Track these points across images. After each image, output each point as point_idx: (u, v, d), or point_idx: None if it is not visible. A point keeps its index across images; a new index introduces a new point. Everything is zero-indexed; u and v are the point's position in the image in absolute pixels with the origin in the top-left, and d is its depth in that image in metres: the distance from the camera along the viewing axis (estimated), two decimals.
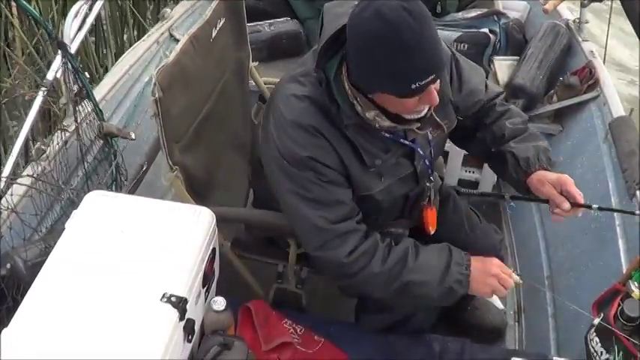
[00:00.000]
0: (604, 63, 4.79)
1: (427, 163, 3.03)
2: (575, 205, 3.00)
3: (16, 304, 2.59)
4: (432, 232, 3.18)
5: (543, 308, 4.18)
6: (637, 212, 3.32)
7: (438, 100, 2.69)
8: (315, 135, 2.74)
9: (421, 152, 2.97)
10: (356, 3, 2.58)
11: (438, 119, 2.93)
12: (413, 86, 2.56)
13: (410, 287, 2.88)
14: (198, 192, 3.28)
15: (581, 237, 4.19)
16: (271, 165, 2.87)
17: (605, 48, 5.12)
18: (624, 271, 3.43)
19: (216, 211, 2.93)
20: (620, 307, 3.13)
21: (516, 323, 4.36)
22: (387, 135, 2.84)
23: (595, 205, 3.10)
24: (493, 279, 2.93)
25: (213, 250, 2.91)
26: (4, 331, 2.45)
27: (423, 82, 2.56)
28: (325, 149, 2.76)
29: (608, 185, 4.13)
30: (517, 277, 3.01)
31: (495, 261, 2.98)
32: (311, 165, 2.75)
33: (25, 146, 3.41)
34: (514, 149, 3.05)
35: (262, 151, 2.97)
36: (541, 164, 3.02)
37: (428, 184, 3.12)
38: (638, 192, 3.78)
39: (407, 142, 2.89)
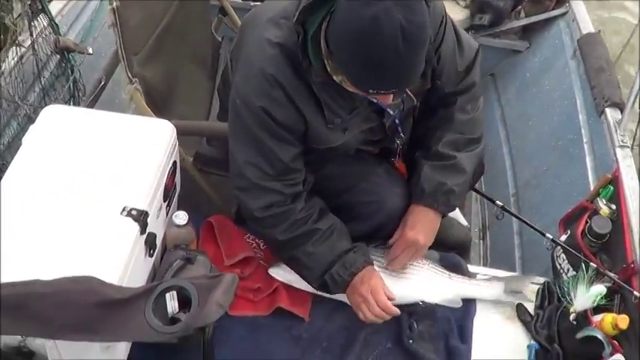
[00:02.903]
0: None
1: (396, 122, 2.99)
2: None
3: None
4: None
5: (508, 226, 4.19)
6: (548, 235, 3.30)
7: (390, 102, 2.65)
8: (275, 87, 2.66)
9: (391, 112, 2.91)
10: None
11: (409, 92, 2.87)
12: (371, 90, 2.52)
13: (296, 263, 2.93)
14: (158, 105, 3.23)
15: (547, 154, 4.20)
16: (231, 95, 2.81)
17: None
18: (592, 189, 3.43)
19: (177, 124, 2.88)
20: (587, 225, 3.14)
21: (481, 241, 4.37)
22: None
23: None
24: (358, 298, 2.89)
25: (174, 163, 2.86)
26: None
27: (382, 92, 2.53)
28: (281, 104, 2.68)
29: (576, 102, 4.13)
30: (387, 311, 2.89)
31: (374, 281, 2.89)
32: (261, 116, 2.68)
33: None
34: (422, 172, 2.97)
35: (233, 75, 2.90)
36: (430, 203, 2.96)
37: (397, 142, 3.08)
38: (606, 109, 3.76)
39: (375, 100, 2.78)
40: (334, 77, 2.61)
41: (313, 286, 2.96)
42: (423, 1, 2.40)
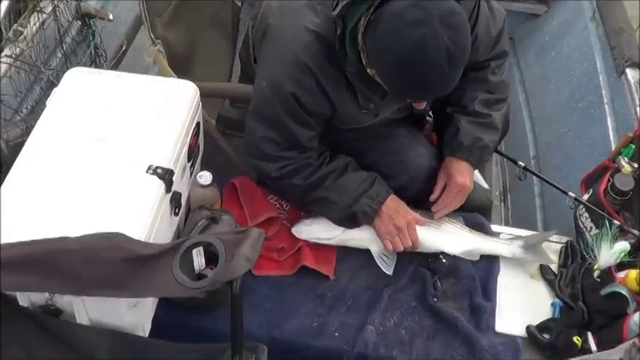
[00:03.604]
0: None
1: (427, 107, 3.05)
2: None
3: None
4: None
5: (529, 188, 4.18)
6: (571, 194, 3.30)
7: (424, 106, 2.81)
8: (308, 75, 2.68)
9: None
10: None
11: None
12: (406, 99, 2.66)
13: (320, 202, 2.98)
14: (179, 68, 3.22)
15: (568, 116, 4.18)
16: (259, 76, 2.85)
17: None
18: (613, 149, 3.42)
19: (200, 86, 2.87)
20: (610, 183, 3.13)
21: (502, 203, 4.36)
22: None
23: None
24: (394, 229, 2.96)
25: (198, 124, 2.86)
26: None
27: (415, 101, 2.66)
28: (311, 92, 2.71)
29: (596, 64, 4.10)
30: (414, 247, 3.02)
31: (410, 217, 3.00)
32: (289, 101, 2.72)
33: None
34: (460, 127, 3.03)
35: (261, 50, 2.90)
36: (466, 157, 3.04)
37: (428, 118, 3.15)
38: (627, 69, 3.75)
39: None
40: (368, 70, 2.62)
41: (339, 221, 3.01)
42: (465, 19, 2.44)
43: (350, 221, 2.98)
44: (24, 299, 2.35)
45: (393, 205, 2.98)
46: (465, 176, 3.02)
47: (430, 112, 3.14)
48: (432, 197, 3.08)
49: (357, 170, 2.99)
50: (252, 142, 2.89)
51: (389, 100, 2.83)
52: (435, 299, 2.96)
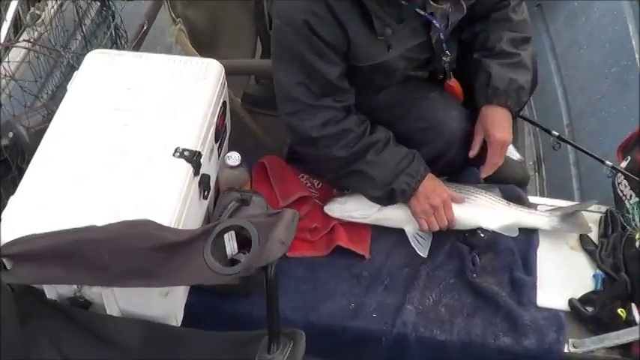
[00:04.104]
0: None
1: (442, 37, 2.92)
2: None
3: (22, 173, 2.48)
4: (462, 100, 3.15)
5: (564, 157, 4.11)
6: (608, 162, 3.22)
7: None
8: (318, 1, 2.63)
9: (437, 24, 2.85)
10: None
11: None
12: None
13: (357, 177, 2.91)
14: (202, 47, 3.20)
15: (601, 82, 4.11)
16: (273, 21, 2.80)
17: None
18: None
19: (225, 63, 2.82)
20: None
21: (536, 174, 4.29)
22: (403, 2, 2.72)
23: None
24: (430, 209, 2.91)
25: (224, 103, 2.81)
26: (12, 198, 2.36)
27: None
28: (324, 19, 2.65)
29: (628, 27, 4.02)
30: (450, 225, 2.97)
31: (446, 195, 2.95)
32: (304, 32, 2.65)
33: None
34: (491, 71, 2.94)
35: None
36: (504, 102, 2.94)
37: (444, 59, 3.02)
38: None
39: (423, 13, 2.77)
40: None
41: (375, 198, 2.95)
42: None
43: (387, 199, 2.93)
44: (51, 292, 2.31)
45: (430, 183, 2.92)
46: (503, 129, 2.94)
47: (447, 52, 3.02)
48: (471, 153, 3.01)
49: (397, 145, 2.93)
50: (284, 95, 2.81)
51: (405, 26, 2.78)
52: (475, 275, 2.90)
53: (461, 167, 3.17)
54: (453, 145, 3.02)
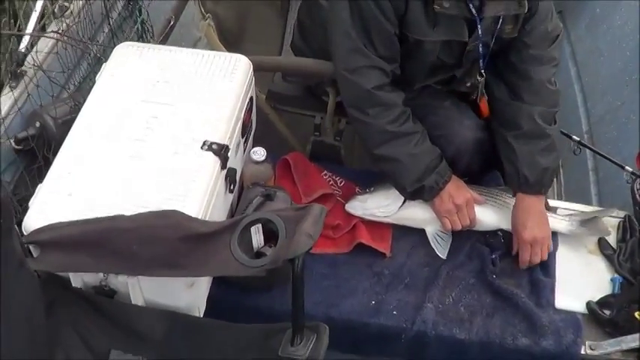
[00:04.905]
0: None
1: (480, 51, 2.96)
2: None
3: (48, 163, 2.51)
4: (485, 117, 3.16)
5: (583, 163, 4.11)
6: (627, 168, 3.23)
7: None
8: None
9: (480, 32, 2.88)
10: None
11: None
12: None
13: (393, 164, 2.93)
14: (230, 43, 3.23)
15: (621, 89, 4.11)
16: None
17: None
18: None
19: (253, 60, 2.83)
20: None
21: (555, 178, 4.30)
22: None
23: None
24: (454, 208, 2.94)
25: (251, 98, 2.82)
26: (39, 186, 2.38)
27: None
28: None
29: None
30: (471, 225, 3.01)
31: (469, 195, 2.98)
32: None
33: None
34: (521, 157, 2.96)
35: None
36: (537, 191, 2.99)
37: (479, 79, 3.05)
38: None
39: (473, 11, 2.81)
40: None
41: (403, 191, 2.97)
42: None
43: (414, 193, 2.95)
44: (77, 280, 2.32)
45: (454, 184, 2.95)
46: (531, 228, 2.94)
47: (482, 70, 3.05)
48: (514, 253, 3.02)
49: (429, 142, 2.96)
50: (345, 48, 2.87)
51: (453, 18, 2.82)
52: (494, 276, 2.93)
53: (480, 171, 3.20)
54: (465, 154, 3.04)
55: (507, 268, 2.98)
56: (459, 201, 2.92)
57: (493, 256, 2.99)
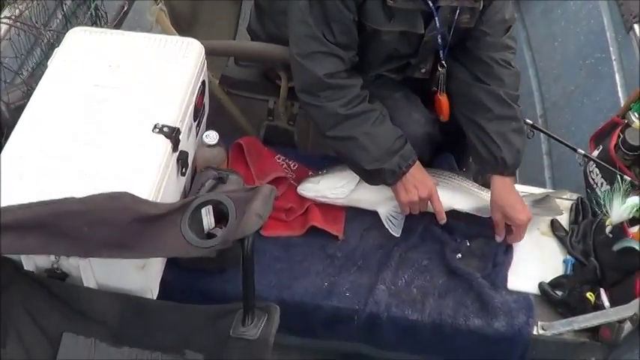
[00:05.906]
0: None
1: (439, 41, 2.95)
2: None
3: (0, 148, 2.47)
4: (444, 120, 3.15)
5: (537, 147, 4.15)
6: (580, 151, 3.29)
7: None
8: None
9: (437, 24, 2.88)
10: None
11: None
12: None
13: (352, 144, 2.88)
14: (182, 29, 3.21)
15: (575, 74, 4.15)
16: None
17: None
18: (622, 105, 3.40)
19: (205, 44, 2.83)
20: (620, 138, 3.12)
21: None
22: None
23: None
24: (416, 198, 2.92)
25: (203, 82, 2.82)
26: None
27: None
28: None
29: (603, 21, 4.05)
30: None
31: (434, 188, 2.95)
32: None
33: None
34: (499, 139, 2.96)
35: None
36: (512, 172, 3.03)
37: (440, 70, 3.04)
38: (634, 25, 3.70)
39: (430, 3, 2.81)
40: None
41: (361, 173, 2.95)
42: None
43: (373, 176, 2.93)
44: (29, 263, 2.32)
45: (419, 174, 2.93)
46: (521, 210, 2.98)
47: (443, 62, 3.04)
48: (498, 240, 3.04)
49: (393, 124, 2.94)
50: (299, 34, 2.86)
51: (409, 12, 2.81)
52: (459, 255, 2.98)
53: (431, 159, 3.23)
54: (414, 147, 2.98)
55: (477, 250, 3.03)
56: (424, 194, 2.90)
57: (462, 241, 3.04)
